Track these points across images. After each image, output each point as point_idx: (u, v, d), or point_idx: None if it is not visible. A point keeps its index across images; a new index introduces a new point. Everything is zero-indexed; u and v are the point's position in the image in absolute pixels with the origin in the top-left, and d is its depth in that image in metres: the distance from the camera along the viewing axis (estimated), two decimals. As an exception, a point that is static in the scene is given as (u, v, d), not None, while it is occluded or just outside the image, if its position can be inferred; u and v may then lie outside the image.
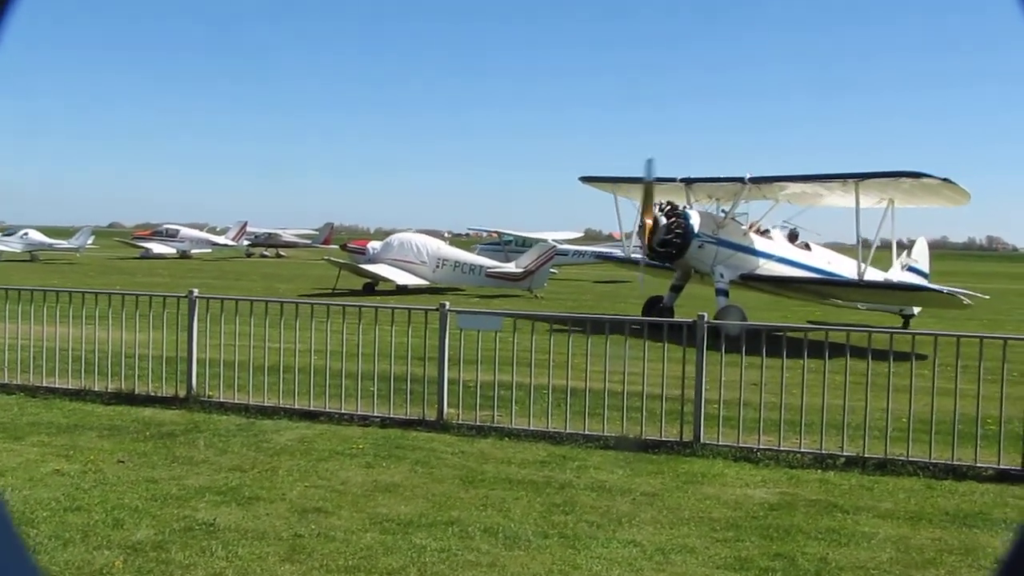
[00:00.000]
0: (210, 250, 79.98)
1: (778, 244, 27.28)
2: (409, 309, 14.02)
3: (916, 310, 28.48)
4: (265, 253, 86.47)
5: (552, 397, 12.59)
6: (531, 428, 12.14)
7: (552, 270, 42.78)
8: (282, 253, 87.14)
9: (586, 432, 11.92)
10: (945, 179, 23.61)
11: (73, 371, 14.19)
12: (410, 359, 13.24)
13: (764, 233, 27.55)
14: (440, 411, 12.61)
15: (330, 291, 37.54)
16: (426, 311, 13.24)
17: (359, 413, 12.78)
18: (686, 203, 27.53)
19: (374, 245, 42.78)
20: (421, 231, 49.63)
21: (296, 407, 13.02)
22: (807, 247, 27.94)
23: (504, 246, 56.66)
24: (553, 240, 49.82)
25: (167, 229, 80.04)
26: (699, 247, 26.08)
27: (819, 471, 10.71)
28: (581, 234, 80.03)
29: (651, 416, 11.98)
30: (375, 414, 12.75)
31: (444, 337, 12.81)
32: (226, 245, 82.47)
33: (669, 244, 26.02)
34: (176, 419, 12.51)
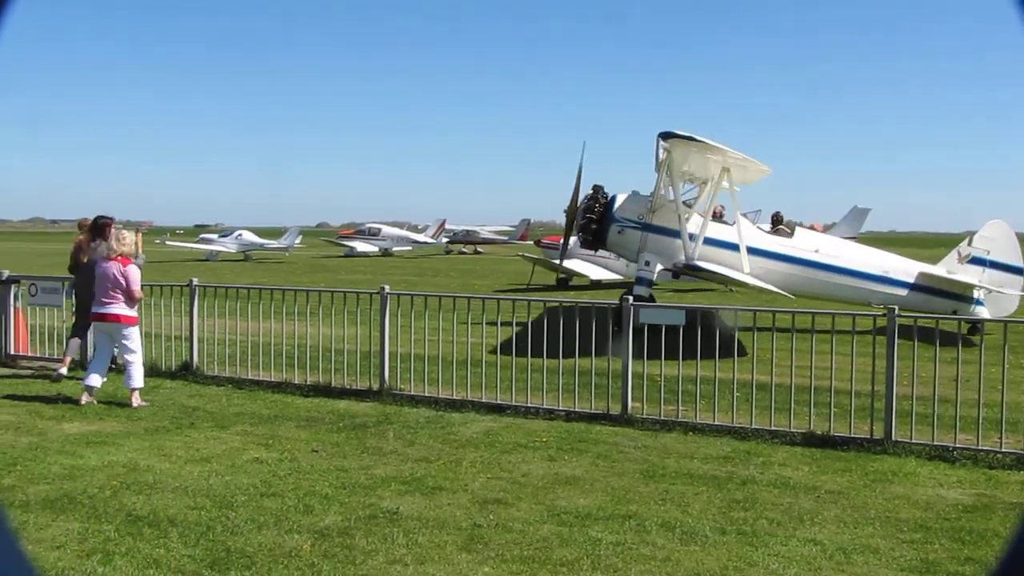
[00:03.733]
0: (410, 248, 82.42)
1: (733, 230, 22.49)
2: (593, 304, 14.07)
3: (980, 311, 22.56)
4: (463, 250, 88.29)
5: (738, 392, 12.40)
6: (716, 423, 11.97)
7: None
8: (480, 250, 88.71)
9: (772, 428, 11.67)
10: (689, 136, 19.97)
11: (276, 365, 14.99)
12: (595, 353, 13.26)
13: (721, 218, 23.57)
14: (624, 405, 12.61)
15: (525, 287, 37.99)
16: (609, 305, 13.28)
17: (544, 407, 12.93)
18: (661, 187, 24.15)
19: (568, 240, 42.99)
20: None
21: (483, 400, 13.30)
22: (789, 233, 23.50)
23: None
24: None
25: (370, 228, 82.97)
26: (619, 232, 23.23)
27: (1021, 472, 10.14)
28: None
29: (840, 412, 11.63)
30: (560, 408, 12.87)
31: (628, 331, 12.79)
32: (426, 243, 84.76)
33: (586, 230, 23.80)
34: (369, 411, 12.99)
